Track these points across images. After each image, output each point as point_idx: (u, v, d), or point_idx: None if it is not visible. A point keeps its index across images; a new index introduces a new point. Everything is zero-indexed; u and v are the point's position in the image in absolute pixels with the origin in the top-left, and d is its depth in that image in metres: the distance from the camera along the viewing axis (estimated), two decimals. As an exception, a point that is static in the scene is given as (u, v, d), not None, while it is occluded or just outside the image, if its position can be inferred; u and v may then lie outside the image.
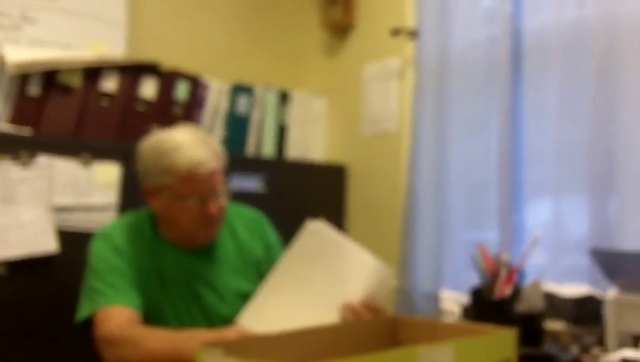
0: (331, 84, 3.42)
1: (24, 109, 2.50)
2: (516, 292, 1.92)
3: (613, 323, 1.88)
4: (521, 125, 2.60)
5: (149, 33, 3.06)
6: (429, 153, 2.83)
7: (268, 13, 3.50)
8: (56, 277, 2.40)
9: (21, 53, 2.54)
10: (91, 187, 2.51)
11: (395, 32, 3.00)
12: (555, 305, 2.03)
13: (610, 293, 1.91)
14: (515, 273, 1.95)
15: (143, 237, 2.01)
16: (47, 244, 2.39)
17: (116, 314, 1.85)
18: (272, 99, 3.13)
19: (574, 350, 1.89)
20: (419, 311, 2.78)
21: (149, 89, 2.77)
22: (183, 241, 2.01)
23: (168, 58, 2.90)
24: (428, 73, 2.88)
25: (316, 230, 1.92)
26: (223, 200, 1.98)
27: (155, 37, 3.08)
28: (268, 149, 3.12)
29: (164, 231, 2.02)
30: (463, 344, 1.27)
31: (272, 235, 2.18)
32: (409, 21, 3.00)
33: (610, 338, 1.88)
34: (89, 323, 1.89)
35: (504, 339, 1.36)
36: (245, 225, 2.14)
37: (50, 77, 2.56)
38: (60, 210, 2.44)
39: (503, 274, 1.94)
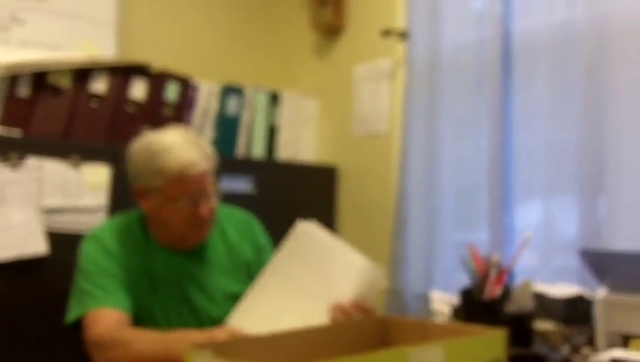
0: (322, 85, 3.42)
1: (13, 111, 2.49)
2: (506, 293, 1.93)
3: (602, 323, 1.89)
4: (511, 126, 2.60)
5: (139, 34, 3.05)
6: (420, 154, 2.84)
7: (258, 14, 3.50)
8: (45, 279, 2.39)
9: (10, 55, 2.53)
10: (81, 188, 2.50)
11: (386, 33, 3.00)
12: (545, 305, 2.03)
13: (599, 293, 1.91)
14: (505, 273, 1.95)
15: (132, 239, 2.00)
16: (37, 246, 2.38)
17: (106, 317, 1.84)
18: (262, 100, 3.13)
19: (564, 350, 1.90)
20: (409, 311, 2.78)
21: (138, 90, 2.76)
22: (173, 243, 2.00)
23: (158, 59, 2.90)
24: (418, 74, 2.89)
25: (306, 231, 1.92)
26: (214, 202, 1.98)
27: (145, 38, 3.08)
28: (258, 150, 3.11)
29: (155, 232, 2.02)
30: (453, 344, 1.27)
31: (262, 237, 2.18)
32: (399, 22, 3.01)
33: (600, 338, 1.88)
34: (79, 325, 1.88)
35: (494, 340, 1.36)
36: (235, 226, 2.14)
37: (40, 78, 2.55)
38: (50, 211, 2.43)
39: (493, 274, 1.94)
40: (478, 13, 2.74)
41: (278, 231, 2.05)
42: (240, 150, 3.06)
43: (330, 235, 1.90)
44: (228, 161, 2.82)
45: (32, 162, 2.41)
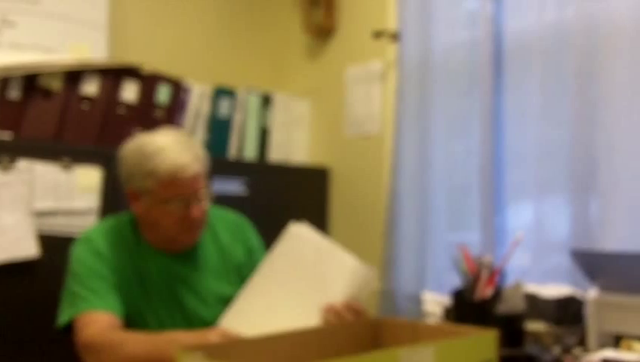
0: (314, 86, 3.42)
1: (4, 113, 2.49)
2: (497, 294, 1.93)
3: (594, 323, 1.89)
4: (502, 127, 2.61)
5: (131, 36, 3.05)
6: (412, 155, 2.84)
7: (250, 16, 3.50)
8: (37, 282, 2.38)
9: (1, 57, 2.52)
10: (72, 191, 2.49)
11: (377, 35, 3.01)
12: (536, 305, 2.04)
13: (591, 294, 1.92)
14: (496, 274, 1.96)
15: (124, 241, 2.00)
16: (28, 249, 2.37)
17: (97, 319, 1.84)
18: (254, 102, 3.13)
19: (555, 350, 1.90)
20: (401, 312, 2.78)
21: (130, 92, 2.76)
22: (165, 245, 2.00)
23: (150, 61, 2.90)
24: (410, 75, 2.89)
25: (299, 232, 1.92)
26: (206, 204, 1.98)
27: (137, 40, 3.07)
28: (250, 152, 3.11)
29: (146, 234, 2.01)
30: (444, 345, 1.27)
31: (254, 239, 2.17)
32: (391, 24, 3.01)
33: (592, 338, 1.89)
34: (70, 328, 1.88)
35: (485, 340, 1.36)
36: (227, 228, 2.14)
37: (31, 81, 2.54)
38: (41, 214, 2.42)
39: (484, 275, 1.95)
40: (469, 15, 2.74)
41: (270, 233, 2.05)
42: (232, 152, 3.06)
43: (322, 237, 1.90)
44: (220, 163, 2.82)
45: (23, 165, 2.40)
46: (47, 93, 2.57)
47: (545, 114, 2.43)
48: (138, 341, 1.78)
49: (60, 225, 2.45)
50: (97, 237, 1.98)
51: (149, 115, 2.80)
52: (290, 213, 2.24)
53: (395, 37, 2.96)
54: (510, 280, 2.07)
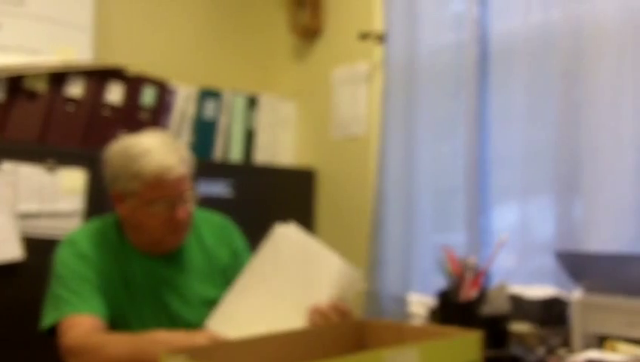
0: (300, 88, 3.42)
1: (-12, 115, 2.48)
2: (482, 295, 1.94)
3: (578, 324, 1.90)
4: (488, 128, 2.62)
5: (116, 38, 3.04)
6: (398, 157, 2.85)
7: (236, 17, 3.49)
8: (21, 284, 2.37)
9: (-15, 59, 2.51)
10: (57, 193, 2.48)
11: (364, 36, 3.01)
12: (521, 306, 2.04)
13: (575, 295, 1.93)
14: (481, 275, 1.96)
15: (108, 244, 1.99)
16: (12, 251, 2.36)
17: (81, 323, 1.83)
18: (239, 104, 3.13)
19: (540, 351, 1.91)
20: (387, 313, 2.79)
21: (115, 94, 2.75)
22: (150, 247, 1.99)
23: (135, 63, 2.89)
24: (396, 77, 2.90)
25: (285, 233, 1.92)
26: (191, 206, 1.97)
27: (123, 42, 3.06)
28: (236, 154, 3.11)
29: (131, 237, 2.00)
30: (429, 347, 1.28)
31: (240, 241, 2.17)
32: (377, 25, 3.02)
33: (576, 339, 1.90)
34: (54, 331, 1.87)
35: (469, 342, 1.37)
36: (212, 231, 2.13)
37: (15, 82, 2.53)
38: (25, 216, 2.41)
39: (469, 276, 1.95)
40: (455, 16, 2.75)
41: (256, 235, 2.04)
42: (217, 154, 3.06)
43: (308, 236, 1.90)
44: (205, 165, 2.81)
45: (8, 167, 2.39)
46: (31, 95, 2.56)
47: (530, 115, 2.44)
48: (121, 342, 1.77)
49: (44, 228, 2.44)
50: (82, 240, 1.97)
51: (134, 117, 2.79)
52: (276, 214, 2.23)
53: (381, 38, 2.97)
54: (495, 281, 2.07)
